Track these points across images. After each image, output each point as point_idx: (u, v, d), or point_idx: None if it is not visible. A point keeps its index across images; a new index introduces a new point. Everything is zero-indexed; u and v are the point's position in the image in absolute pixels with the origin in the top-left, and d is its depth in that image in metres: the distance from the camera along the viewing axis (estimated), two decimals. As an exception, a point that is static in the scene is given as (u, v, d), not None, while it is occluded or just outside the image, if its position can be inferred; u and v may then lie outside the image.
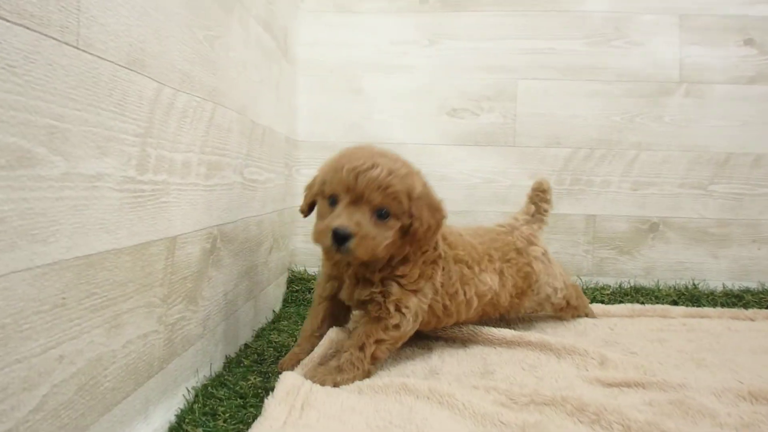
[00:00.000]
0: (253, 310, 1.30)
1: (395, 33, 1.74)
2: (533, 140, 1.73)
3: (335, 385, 0.92)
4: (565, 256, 1.73)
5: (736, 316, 1.45)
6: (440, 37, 1.73)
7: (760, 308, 1.52)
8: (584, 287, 1.66)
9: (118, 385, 0.70)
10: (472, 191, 1.74)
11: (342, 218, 0.88)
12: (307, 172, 1.75)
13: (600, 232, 1.73)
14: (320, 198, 0.97)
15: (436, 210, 0.99)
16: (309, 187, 1.03)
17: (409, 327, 1.02)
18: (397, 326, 0.99)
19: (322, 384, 0.91)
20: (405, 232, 0.96)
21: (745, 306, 1.54)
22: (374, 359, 0.98)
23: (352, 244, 0.88)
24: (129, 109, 0.65)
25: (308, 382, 0.91)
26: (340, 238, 0.88)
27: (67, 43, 0.53)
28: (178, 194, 0.81)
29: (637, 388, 0.97)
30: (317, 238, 0.92)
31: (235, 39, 1.06)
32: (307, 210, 1.03)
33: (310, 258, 1.73)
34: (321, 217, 0.96)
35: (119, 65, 0.62)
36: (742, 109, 1.69)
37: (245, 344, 1.22)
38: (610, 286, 1.67)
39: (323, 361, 0.99)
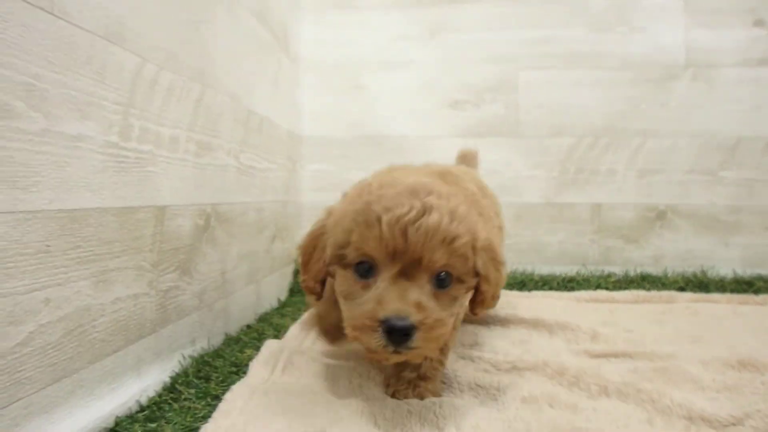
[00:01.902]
0: (255, 294, 1.35)
1: (395, 27, 1.78)
2: (536, 130, 1.74)
3: (422, 397, 0.76)
4: (570, 245, 1.72)
5: (744, 301, 1.41)
6: (441, 30, 1.77)
7: (772, 293, 1.48)
8: (590, 276, 1.65)
9: (108, 337, 0.75)
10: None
11: (394, 300, 0.61)
12: (312, 168, 1.81)
13: (606, 221, 1.72)
14: (339, 267, 0.68)
15: (499, 261, 0.73)
16: (308, 249, 0.73)
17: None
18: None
19: (405, 397, 0.76)
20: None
21: (756, 292, 1.50)
22: (444, 352, 0.83)
23: (416, 340, 0.61)
24: (109, 78, 0.72)
25: (288, 348, 0.95)
26: (398, 335, 0.60)
27: (41, 8, 0.59)
28: (166, 166, 0.87)
29: (624, 358, 0.98)
30: (358, 335, 0.63)
31: (222, 26, 1.11)
32: (319, 288, 0.73)
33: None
34: (348, 297, 0.67)
35: (97, 35, 0.69)
36: (752, 92, 1.66)
37: (247, 325, 1.26)
38: (615, 274, 1.65)
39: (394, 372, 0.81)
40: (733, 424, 0.67)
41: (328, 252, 0.69)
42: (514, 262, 1.72)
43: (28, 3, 0.57)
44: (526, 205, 1.75)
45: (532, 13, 1.73)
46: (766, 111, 1.66)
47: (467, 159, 1.31)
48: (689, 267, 1.66)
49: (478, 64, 1.76)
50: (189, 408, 0.80)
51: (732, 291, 1.52)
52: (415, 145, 1.78)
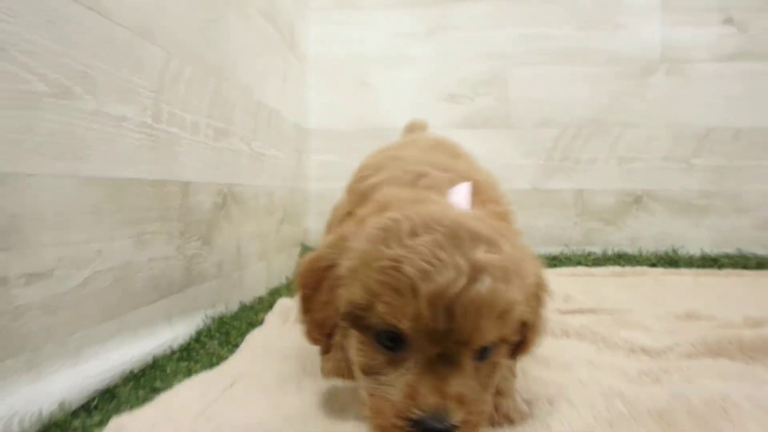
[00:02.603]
0: (266, 270, 1.49)
1: (397, 26, 1.93)
2: (525, 122, 1.88)
3: (510, 420, 0.61)
4: (555, 228, 1.86)
5: (708, 274, 1.55)
6: (439, 28, 1.91)
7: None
8: (572, 255, 1.79)
9: (145, 290, 0.90)
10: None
11: (430, 394, 0.49)
12: (317, 158, 1.96)
13: (588, 206, 1.86)
14: (355, 329, 0.55)
15: (545, 297, 0.60)
16: (310, 284, 0.59)
17: None
18: None
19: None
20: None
21: (720, 268, 1.63)
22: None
23: None
24: (144, 70, 0.87)
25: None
26: None
27: (91, 8, 0.74)
28: (189, 146, 1.02)
29: (588, 313, 1.12)
30: (377, 425, 0.51)
31: (233, 25, 1.24)
32: (326, 342, 0.60)
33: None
34: (368, 371, 0.53)
35: (134, 32, 0.84)
36: (722, 85, 1.80)
37: (259, 297, 1.41)
38: (595, 253, 1.79)
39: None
40: (665, 352, 0.81)
41: (341, 306, 0.54)
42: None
43: (81, 4, 0.72)
44: (516, 192, 1.89)
45: (525, 12, 1.87)
46: (735, 103, 1.79)
47: (416, 129, 1.27)
48: (662, 247, 1.79)
49: (473, 60, 1.90)
50: (213, 352, 0.94)
51: (699, 267, 1.66)
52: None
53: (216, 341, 1.00)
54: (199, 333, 1.04)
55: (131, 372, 0.82)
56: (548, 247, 1.85)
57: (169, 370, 0.85)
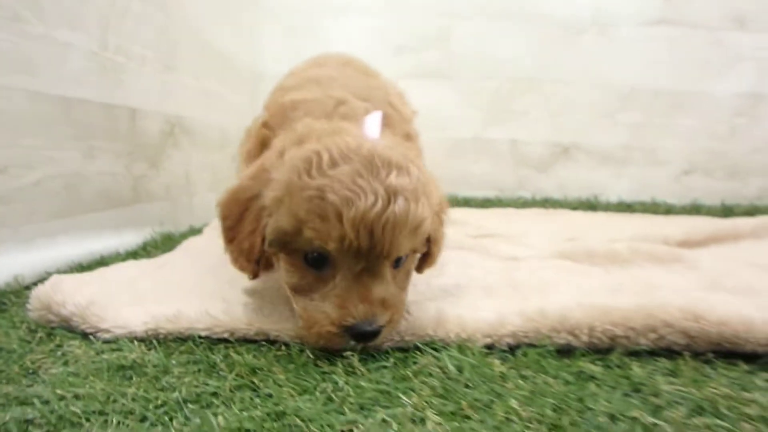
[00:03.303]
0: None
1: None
2: (467, 74, 2.01)
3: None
4: (491, 174, 2.03)
5: (620, 217, 1.73)
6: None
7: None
8: (505, 199, 1.96)
9: (94, 198, 1.04)
10: (416, 119, 2.04)
11: (359, 303, 0.56)
12: (272, 103, 2.07)
13: (521, 155, 2.02)
14: (283, 253, 0.61)
15: (446, 217, 0.71)
16: (233, 213, 0.64)
17: None
18: None
19: None
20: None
21: (632, 212, 1.82)
22: None
23: (383, 334, 0.58)
24: (91, 3, 0.98)
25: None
26: (366, 337, 0.57)
27: None
28: (136, 76, 1.14)
29: (490, 237, 1.28)
30: (319, 339, 0.58)
31: None
32: (256, 268, 0.64)
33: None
34: (300, 290, 0.60)
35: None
36: (645, 48, 1.95)
37: (208, 223, 1.55)
38: (525, 197, 1.96)
39: None
40: (527, 258, 0.98)
41: (269, 234, 0.60)
42: (445, 189, 2.02)
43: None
44: (457, 140, 2.04)
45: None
46: (656, 65, 1.94)
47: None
48: (585, 194, 1.97)
49: (421, 14, 2.01)
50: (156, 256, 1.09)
51: (614, 212, 1.84)
52: (361, 86, 2.04)
53: (160, 251, 1.15)
54: (146, 243, 1.19)
55: (79, 264, 0.97)
56: (484, 191, 2.02)
57: (113, 264, 1.00)
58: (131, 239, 1.16)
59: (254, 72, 1.94)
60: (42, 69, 0.88)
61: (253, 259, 0.62)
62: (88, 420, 0.47)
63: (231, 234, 0.64)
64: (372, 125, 0.71)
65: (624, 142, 1.98)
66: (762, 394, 0.54)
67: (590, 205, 1.89)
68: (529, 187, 2.02)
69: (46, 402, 0.50)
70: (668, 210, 1.86)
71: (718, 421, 0.49)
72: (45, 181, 0.90)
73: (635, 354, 0.63)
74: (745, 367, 0.61)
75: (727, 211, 1.85)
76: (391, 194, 0.55)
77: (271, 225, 0.59)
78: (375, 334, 0.57)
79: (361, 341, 0.57)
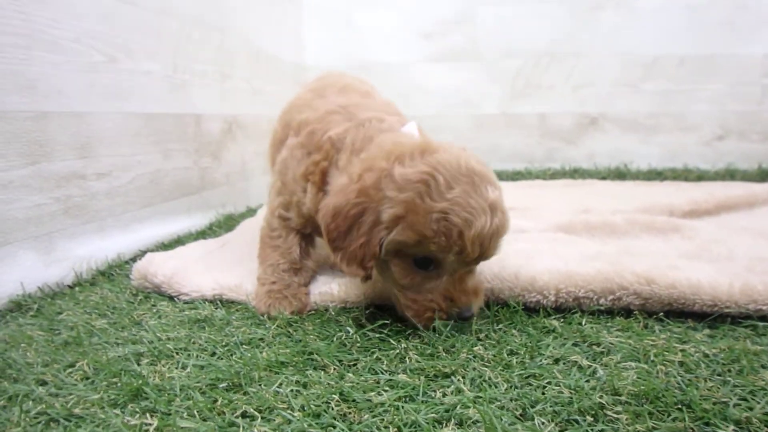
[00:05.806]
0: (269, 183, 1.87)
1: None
2: (491, 54, 2.13)
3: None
4: (521, 146, 2.15)
5: (646, 184, 1.81)
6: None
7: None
8: (534, 170, 2.09)
9: (171, 189, 1.28)
10: (445, 99, 2.19)
11: (462, 296, 0.72)
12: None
13: (549, 127, 2.13)
14: (397, 257, 0.72)
15: None
16: (342, 226, 0.72)
17: None
18: None
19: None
20: None
21: (663, 180, 1.90)
22: None
23: (476, 314, 0.74)
24: (163, 37, 1.20)
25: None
26: (467, 319, 0.73)
27: (124, 2, 1.07)
28: (200, 89, 1.37)
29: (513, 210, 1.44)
30: (422, 318, 0.73)
31: None
32: (368, 272, 0.73)
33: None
34: (408, 287, 0.73)
35: (153, 12, 1.17)
36: (665, 17, 1.99)
37: (263, 204, 1.79)
38: (554, 168, 2.08)
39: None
40: (530, 230, 1.14)
41: (387, 245, 0.70)
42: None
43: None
44: (486, 116, 2.18)
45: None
46: (677, 33, 1.99)
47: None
48: (614, 162, 2.07)
49: (445, 1, 2.13)
50: (221, 236, 1.33)
51: (645, 179, 1.91)
52: (397, 70, 2.20)
53: (223, 229, 1.39)
54: (211, 224, 1.43)
55: (162, 243, 1.22)
56: (514, 163, 2.16)
57: (187, 243, 1.24)
58: (200, 221, 1.40)
59: (297, 64, 2.14)
60: (131, 95, 1.12)
61: (368, 266, 0.71)
62: (177, 353, 0.69)
63: (338, 244, 0.72)
64: (413, 132, 0.83)
65: (651, 110, 2.04)
66: (693, 345, 0.64)
67: (620, 174, 1.98)
68: (558, 158, 2.14)
69: (150, 342, 0.72)
70: (700, 176, 1.90)
71: (644, 366, 0.59)
72: (136, 179, 1.15)
73: (594, 314, 0.75)
74: (690, 324, 0.70)
75: (763, 174, 1.89)
76: (493, 210, 0.68)
77: (391, 238, 0.69)
78: (472, 316, 0.73)
79: (461, 321, 0.73)
